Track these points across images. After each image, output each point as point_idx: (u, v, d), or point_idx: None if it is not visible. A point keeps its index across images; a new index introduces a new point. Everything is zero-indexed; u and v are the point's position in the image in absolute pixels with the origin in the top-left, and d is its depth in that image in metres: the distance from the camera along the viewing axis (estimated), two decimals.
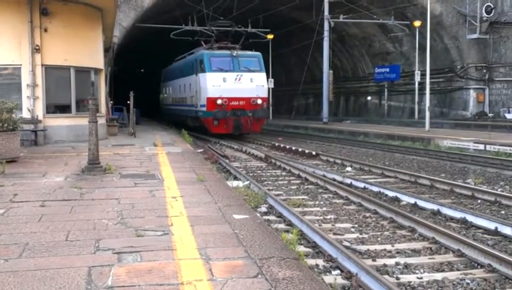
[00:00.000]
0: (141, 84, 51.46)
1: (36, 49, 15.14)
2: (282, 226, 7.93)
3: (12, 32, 14.99)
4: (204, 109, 24.47)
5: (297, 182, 12.42)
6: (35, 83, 15.20)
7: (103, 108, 18.81)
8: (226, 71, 24.41)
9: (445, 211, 8.75)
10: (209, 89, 24.16)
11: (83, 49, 16.61)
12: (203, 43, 28.21)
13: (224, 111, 23.79)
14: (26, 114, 14.93)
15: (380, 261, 6.25)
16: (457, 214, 8.44)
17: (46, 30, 15.34)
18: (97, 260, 4.35)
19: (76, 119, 16.13)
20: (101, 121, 16.70)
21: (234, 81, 24.26)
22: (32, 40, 15.08)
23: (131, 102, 21.11)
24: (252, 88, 24.42)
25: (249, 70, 24.71)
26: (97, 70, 17.83)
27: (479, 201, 9.90)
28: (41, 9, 15.21)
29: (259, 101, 24.50)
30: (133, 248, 4.66)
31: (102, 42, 19.26)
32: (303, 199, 10.25)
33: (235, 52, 24.93)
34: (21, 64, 15.16)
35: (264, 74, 25.33)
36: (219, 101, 23.82)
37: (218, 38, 27.66)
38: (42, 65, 15.33)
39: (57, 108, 16.25)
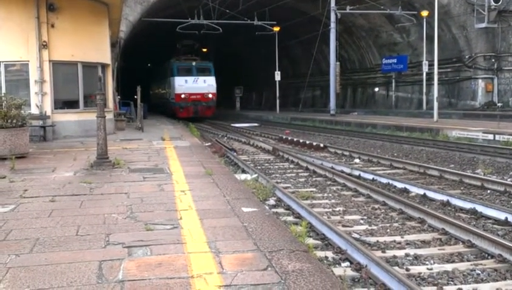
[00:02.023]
0: (148, 79, 51.51)
1: (43, 45, 15.19)
2: (290, 218, 7.93)
3: (20, 29, 15.04)
4: (174, 101, 36.48)
5: (306, 174, 12.40)
6: (43, 79, 15.27)
7: (111, 103, 18.88)
8: (188, 75, 36.46)
9: (455, 201, 8.71)
10: (176, 87, 36.27)
11: (90, 45, 16.65)
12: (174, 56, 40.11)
13: (186, 102, 36.02)
14: (34, 110, 15.01)
15: (390, 253, 6.23)
16: (467, 205, 8.40)
17: (53, 26, 15.38)
18: (107, 254, 4.37)
19: (84, 115, 16.19)
20: (109, 116, 16.75)
21: (193, 82, 36.42)
22: (39, 36, 15.13)
23: (138, 97, 21.16)
24: (205, 86, 36.60)
25: (203, 75, 36.80)
26: (104, 66, 17.87)
27: (488, 191, 9.85)
28: (48, 5, 15.26)
29: (210, 95, 36.80)
30: (142, 242, 4.68)
31: (109, 37, 19.29)
32: (311, 191, 10.23)
33: (194, 63, 37.33)
34: (29, 61, 15.23)
35: (213, 77, 37.14)
36: (183, 96, 36.09)
37: (184, 52, 40.14)
38: (50, 61, 15.39)
39: (65, 104, 16.32)
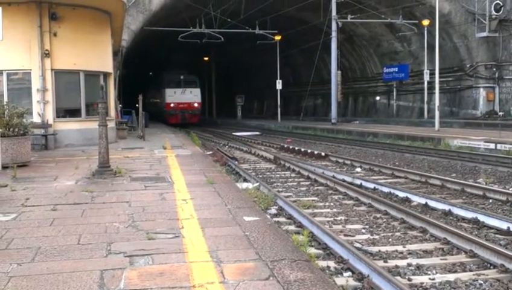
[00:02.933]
0: (147, 88, 51.69)
1: (46, 54, 15.25)
2: (292, 227, 7.91)
3: (22, 37, 15.10)
4: (165, 109, 42.26)
5: (307, 183, 12.39)
6: (45, 88, 15.31)
7: (112, 111, 18.93)
8: (177, 87, 42.27)
9: (457, 211, 8.69)
10: (167, 98, 42.20)
11: (92, 53, 16.72)
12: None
13: (175, 110, 41.75)
14: (36, 118, 15.05)
15: (392, 263, 6.21)
16: (469, 214, 8.38)
17: (55, 35, 15.46)
18: (109, 263, 4.37)
19: (86, 123, 16.21)
20: (111, 124, 16.77)
21: (181, 93, 42.17)
22: (41, 44, 15.20)
23: (140, 105, 21.20)
24: (191, 97, 42.50)
25: (190, 87, 42.72)
26: (106, 74, 17.93)
27: (490, 201, 9.82)
28: (51, 14, 15.33)
29: (196, 105, 42.98)
30: (144, 251, 4.68)
31: (111, 46, 19.36)
32: (313, 200, 10.22)
33: (182, 76, 42.75)
34: (31, 69, 15.28)
35: (198, 89, 43.59)
36: (172, 105, 41.96)
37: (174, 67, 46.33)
38: (52, 69, 15.44)
39: (67, 112, 16.36)
